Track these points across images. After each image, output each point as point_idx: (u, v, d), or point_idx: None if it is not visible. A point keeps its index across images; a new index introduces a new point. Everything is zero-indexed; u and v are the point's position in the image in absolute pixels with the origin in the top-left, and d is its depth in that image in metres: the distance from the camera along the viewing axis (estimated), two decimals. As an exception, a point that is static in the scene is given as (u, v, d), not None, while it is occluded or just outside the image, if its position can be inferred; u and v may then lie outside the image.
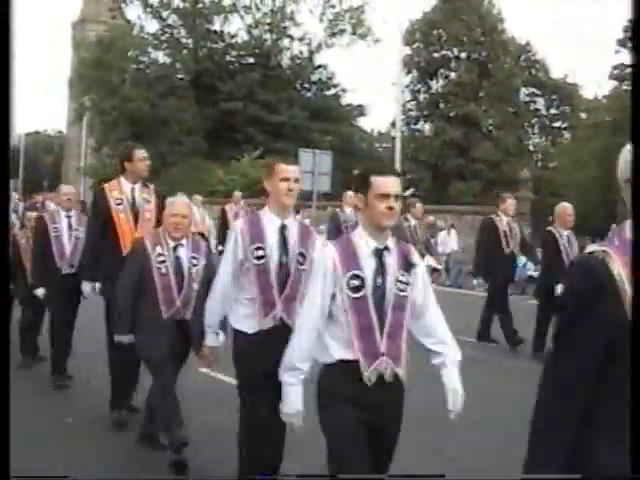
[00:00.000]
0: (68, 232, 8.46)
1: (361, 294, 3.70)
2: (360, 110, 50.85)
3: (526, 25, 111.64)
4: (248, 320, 4.73)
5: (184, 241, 5.92)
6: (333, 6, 48.47)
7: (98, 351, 7.45)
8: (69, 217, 8.56)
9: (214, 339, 4.96)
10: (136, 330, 5.83)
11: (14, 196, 10.23)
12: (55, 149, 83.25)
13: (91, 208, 7.59)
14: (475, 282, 14.13)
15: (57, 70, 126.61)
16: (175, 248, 5.88)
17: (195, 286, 5.87)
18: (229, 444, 5.12)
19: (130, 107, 43.15)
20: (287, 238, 4.76)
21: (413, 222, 12.28)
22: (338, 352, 3.71)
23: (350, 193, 12.36)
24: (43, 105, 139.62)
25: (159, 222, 6.45)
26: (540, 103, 50.85)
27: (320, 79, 50.36)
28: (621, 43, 36.96)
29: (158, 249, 5.83)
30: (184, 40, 48.74)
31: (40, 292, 8.45)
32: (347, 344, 3.69)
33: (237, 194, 16.49)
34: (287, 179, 4.69)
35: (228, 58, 49.02)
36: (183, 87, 45.82)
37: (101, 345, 7.21)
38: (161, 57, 48.85)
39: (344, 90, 50.23)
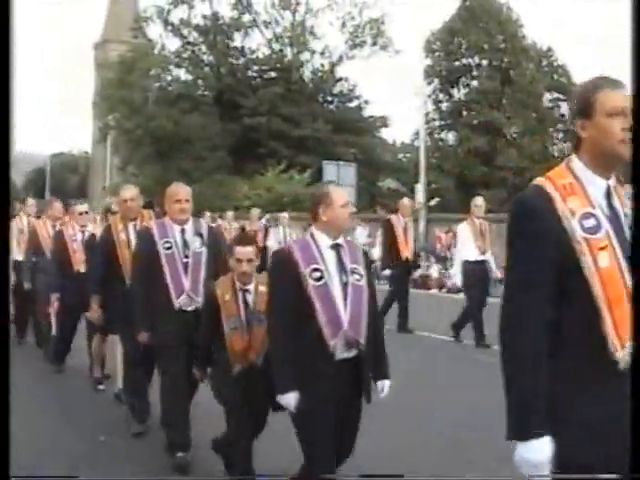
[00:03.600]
0: None
1: None
2: (383, 121, 50.77)
3: (546, 30, 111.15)
4: None
5: None
6: (353, 18, 48.62)
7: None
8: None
9: None
10: None
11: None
12: (81, 169, 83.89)
13: None
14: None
15: (82, 91, 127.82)
16: None
17: None
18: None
19: (154, 125, 43.40)
20: None
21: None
22: None
23: None
24: (69, 126, 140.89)
25: None
26: (564, 108, 50.46)
27: (342, 91, 50.41)
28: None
29: None
30: (205, 57, 49.05)
31: None
32: None
33: (406, 202, 13.95)
34: None
35: (250, 73, 49.25)
36: (206, 104, 45.98)
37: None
38: (183, 75, 49.14)
39: (366, 102, 50.21)
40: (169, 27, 48.14)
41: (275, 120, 44.33)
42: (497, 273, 11.76)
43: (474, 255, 11.64)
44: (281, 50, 49.05)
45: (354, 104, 50.40)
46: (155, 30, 49.78)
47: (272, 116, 44.44)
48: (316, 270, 4.23)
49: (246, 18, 48.41)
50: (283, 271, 4.31)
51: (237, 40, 49.18)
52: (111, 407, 7.83)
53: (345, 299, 4.23)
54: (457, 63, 47.97)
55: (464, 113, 47.78)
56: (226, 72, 47.92)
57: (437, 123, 49.02)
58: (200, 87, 48.32)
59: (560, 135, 51.19)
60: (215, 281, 5.59)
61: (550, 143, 49.62)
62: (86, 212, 9.70)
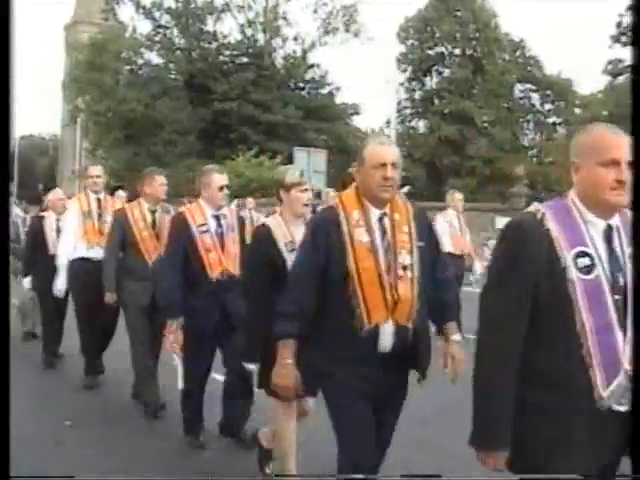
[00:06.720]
0: None
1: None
2: (354, 108, 50.77)
3: (519, 21, 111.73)
4: None
5: None
6: (326, 4, 48.54)
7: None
8: None
9: None
10: None
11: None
12: (50, 152, 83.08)
13: None
14: (472, 278, 14.04)
15: (51, 73, 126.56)
16: None
17: None
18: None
19: (124, 108, 43.06)
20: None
21: None
22: None
23: None
24: (37, 108, 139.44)
25: None
26: (535, 99, 50.81)
27: (313, 78, 50.30)
28: (615, 39, 36.93)
29: None
30: (177, 40, 48.68)
31: None
32: None
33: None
34: None
35: (221, 58, 48.92)
36: (177, 88, 45.69)
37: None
38: (154, 58, 48.74)
39: (338, 89, 50.24)
40: (141, 9, 47.74)
41: (246, 105, 44.15)
42: None
43: None
44: (253, 35, 48.86)
45: (325, 91, 50.34)
46: (127, 12, 49.52)
47: (243, 101, 44.26)
48: None
49: (219, 2, 48.17)
50: None
51: (209, 24, 48.93)
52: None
53: None
54: (430, 52, 48.08)
55: (436, 101, 47.91)
56: (197, 56, 47.65)
57: (409, 111, 49.17)
58: (171, 71, 47.99)
59: (530, 125, 51.54)
60: None
61: (520, 133, 49.97)
62: (228, 186, 6.11)
